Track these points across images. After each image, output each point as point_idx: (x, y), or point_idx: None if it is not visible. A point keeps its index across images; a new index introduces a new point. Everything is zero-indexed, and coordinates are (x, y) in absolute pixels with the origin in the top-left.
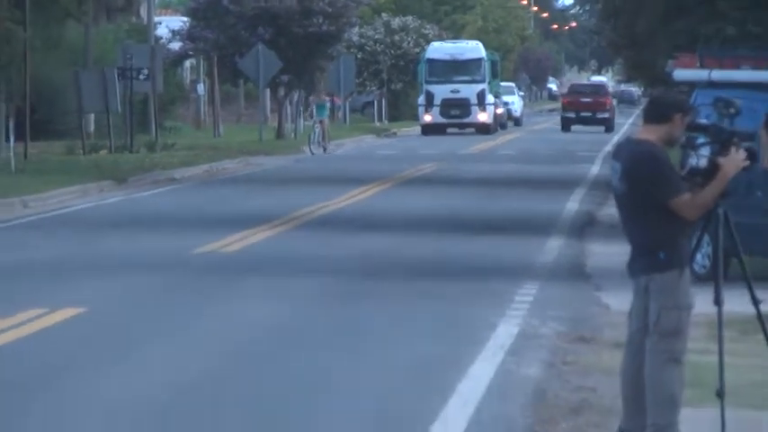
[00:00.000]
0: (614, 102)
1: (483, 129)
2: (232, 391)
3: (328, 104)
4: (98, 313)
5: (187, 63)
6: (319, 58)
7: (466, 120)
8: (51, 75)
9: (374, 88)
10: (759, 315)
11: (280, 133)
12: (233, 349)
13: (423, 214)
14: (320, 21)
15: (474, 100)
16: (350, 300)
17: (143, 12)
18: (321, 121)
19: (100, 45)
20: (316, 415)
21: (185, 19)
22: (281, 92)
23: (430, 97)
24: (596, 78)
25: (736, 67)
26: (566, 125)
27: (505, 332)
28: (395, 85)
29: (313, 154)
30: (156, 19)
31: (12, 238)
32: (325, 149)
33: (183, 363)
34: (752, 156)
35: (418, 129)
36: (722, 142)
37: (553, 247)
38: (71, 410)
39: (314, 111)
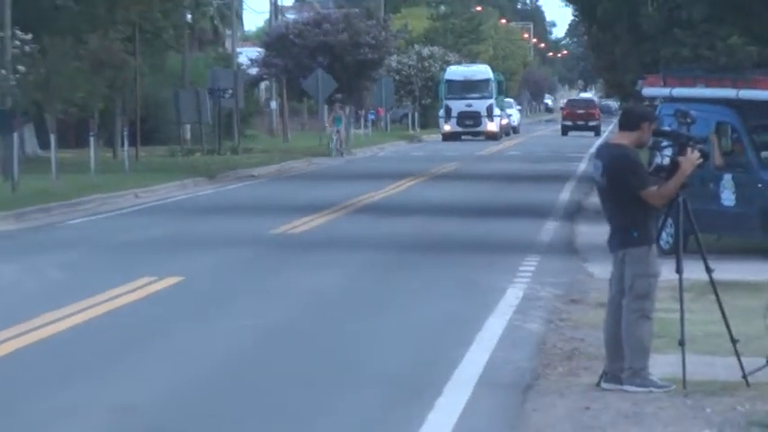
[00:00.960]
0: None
1: (491, 136)
2: (302, 332)
3: (343, 117)
4: (195, 280)
5: (262, 84)
6: (365, 80)
7: (478, 129)
8: (156, 94)
9: (408, 103)
10: (711, 281)
11: None
12: (302, 303)
13: (447, 202)
14: (366, 51)
15: (484, 112)
16: (390, 268)
17: (228, 44)
18: (338, 131)
19: (194, 70)
20: (369, 352)
21: (260, 49)
22: (336, 107)
23: (448, 110)
24: (584, 95)
25: (692, 85)
26: (565, 131)
27: (513, 295)
28: (425, 100)
29: (333, 157)
30: (238, 49)
31: (126, 221)
32: (342, 154)
33: (263, 315)
34: (704, 156)
35: (440, 136)
36: (681, 145)
37: (549, 228)
38: (179, 352)
39: (332, 122)
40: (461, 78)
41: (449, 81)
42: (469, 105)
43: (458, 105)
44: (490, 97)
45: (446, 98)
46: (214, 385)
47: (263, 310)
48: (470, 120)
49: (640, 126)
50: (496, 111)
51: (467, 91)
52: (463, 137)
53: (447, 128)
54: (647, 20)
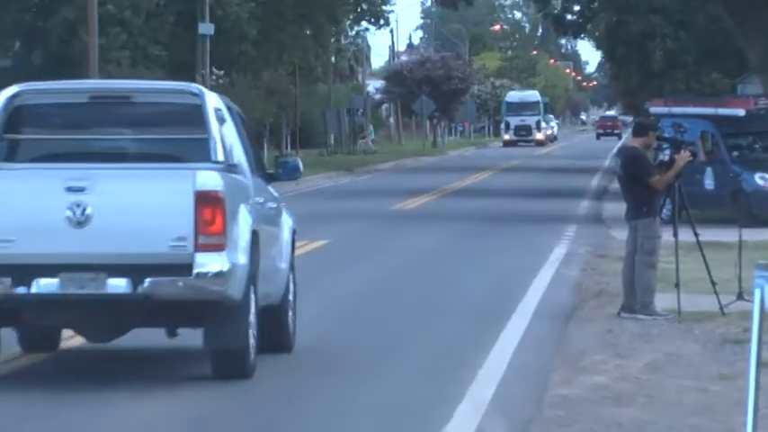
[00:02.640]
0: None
1: (540, 143)
2: (408, 277)
3: (372, 128)
4: (337, 242)
5: (383, 106)
6: (455, 102)
7: (529, 137)
8: (310, 112)
9: (485, 119)
10: (698, 242)
11: (434, 144)
12: (409, 257)
13: (512, 187)
14: (456, 82)
15: (534, 125)
16: (471, 234)
17: (360, 77)
18: (369, 137)
19: (336, 96)
20: (456, 291)
21: (383, 81)
22: (435, 121)
23: (507, 124)
24: (609, 113)
25: (686, 106)
26: (598, 136)
27: (559, 252)
28: (497, 117)
29: (366, 150)
30: (367, 81)
31: (288, 202)
32: (370, 149)
33: (382, 266)
34: (693, 154)
35: (500, 143)
36: (677, 147)
37: (584, 205)
38: (324, 293)
39: (367, 132)
40: (517, 100)
41: (508, 102)
42: (523, 120)
43: (514, 120)
44: (539, 114)
45: (506, 115)
46: (346, 319)
47: (383, 263)
48: (524, 131)
49: (647, 133)
50: (543, 124)
51: (521, 110)
52: (519, 143)
53: (506, 137)
54: (655, 63)
